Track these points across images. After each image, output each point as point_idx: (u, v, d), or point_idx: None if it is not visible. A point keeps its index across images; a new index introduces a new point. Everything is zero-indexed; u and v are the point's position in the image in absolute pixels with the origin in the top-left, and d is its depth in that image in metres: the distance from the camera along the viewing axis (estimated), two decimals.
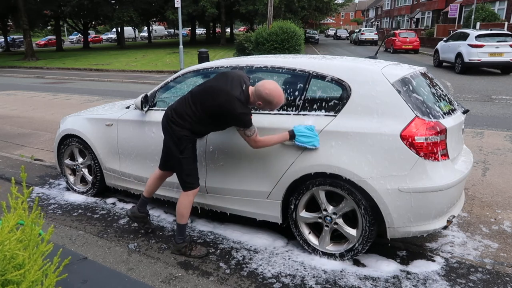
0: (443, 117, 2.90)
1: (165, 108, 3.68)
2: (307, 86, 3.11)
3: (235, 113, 2.77)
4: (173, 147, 3.00)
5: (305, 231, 3.13)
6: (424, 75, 3.31)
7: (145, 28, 54.04)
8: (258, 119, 3.13)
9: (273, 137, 2.95)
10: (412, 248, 3.23)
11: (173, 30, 62.37)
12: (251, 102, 2.88)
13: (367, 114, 2.84)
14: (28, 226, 1.46)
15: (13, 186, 1.55)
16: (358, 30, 46.34)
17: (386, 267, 2.92)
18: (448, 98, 3.30)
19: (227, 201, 3.38)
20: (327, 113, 2.96)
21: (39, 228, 1.51)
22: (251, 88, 2.88)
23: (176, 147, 2.99)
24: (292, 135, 2.92)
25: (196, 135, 3.05)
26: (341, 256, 2.99)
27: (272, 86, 2.79)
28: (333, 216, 2.97)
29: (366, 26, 70.33)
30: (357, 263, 3.01)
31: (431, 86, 3.23)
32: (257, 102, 2.85)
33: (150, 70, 19.23)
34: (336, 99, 2.99)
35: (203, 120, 2.94)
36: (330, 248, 3.05)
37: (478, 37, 14.38)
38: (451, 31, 23.02)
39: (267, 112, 3.13)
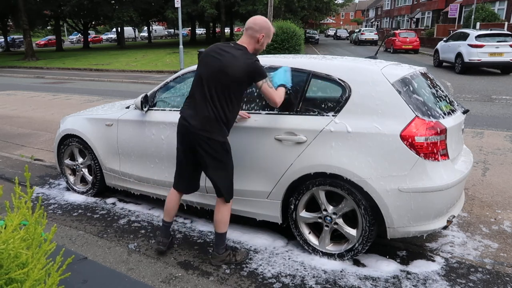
0: (443, 117, 2.90)
1: (165, 108, 3.69)
2: (307, 86, 3.11)
3: (252, 64, 2.72)
4: (220, 158, 2.82)
5: (305, 231, 3.13)
6: (424, 75, 3.31)
7: (145, 28, 54.05)
8: (259, 119, 3.14)
9: (280, 90, 2.89)
10: (412, 248, 3.23)
11: (173, 30, 62.37)
12: (251, 50, 2.85)
13: (367, 114, 2.84)
14: (32, 226, 1.46)
15: (16, 186, 1.55)
16: (358, 30, 46.33)
17: (386, 267, 2.92)
18: (448, 98, 3.30)
19: None
20: (327, 113, 2.96)
21: (42, 227, 1.52)
22: (240, 41, 2.87)
23: (223, 156, 2.83)
24: (284, 86, 2.94)
25: (230, 127, 2.92)
26: (341, 256, 2.99)
27: (255, 16, 2.91)
28: (333, 216, 2.97)
29: (366, 26, 70.34)
30: (357, 263, 3.01)
31: (431, 86, 3.23)
32: (260, 36, 2.81)
33: (150, 70, 19.24)
34: (336, 99, 2.99)
35: (230, 104, 2.79)
36: (330, 248, 3.05)
37: (478, 37, 14.39)
38: (451, 31, 23.03)
39: (268, 112, 3.14)
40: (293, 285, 2.73)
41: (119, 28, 40.07)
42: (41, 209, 1.52)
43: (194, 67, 3.71)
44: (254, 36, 2.83)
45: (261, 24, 2.82)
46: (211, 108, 2.75)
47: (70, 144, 4.31)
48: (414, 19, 45.92)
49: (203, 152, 2.80)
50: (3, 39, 40.43)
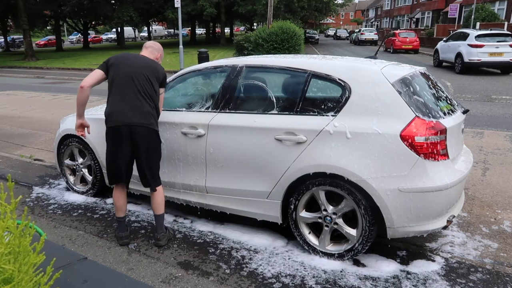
0: (443, 117, 2.90)
1: (165, 109, 3.68)
2: (307, 86, 3.11)
3: (164, 71, 3.28)
4: (157, 147, 3.22)
5: (305, 231, 3.13)
6: (424, 75, 3.31)
7: (145, 28, 54.05)
8: (259, 119, 3.14)
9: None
10: (412, 248, 3.23)
11: (173, 30, 62.35)
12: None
13: (367, 114, 2.83)
14: (17, 238, 1.38)
15: (2, 192, 1.42)
16: (358, 30, 46.30)
17: (386, 267, 2.92)
18: (448, 98, 3.30)
19: (227, 201, 3.39)
20: (326, 113, 2.96)
21: (29, 238, 1.43)
22: (144, 53, 3.33)
23: (159, 145, 3.24)
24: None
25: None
26: (341, 256, 3.00)
27: (154, 41, 3.56)
28: (333, 216, 2.97)
29: (366, 26, 70.31)
30: (357, 263, 3.01)
31: (431, 86, 3.23)
32: (158, 55, 3.38)
33: None
34: (336, 99, 2.99)
35: (156, 97, 3.19)
36: (330, 248, 3.05)
37: (478, 37, 14.37)
38: (451, 31, 23.02)
39: (271, 112, 3.14)
40: (293, 285, 2.73)
41: (119, 28, 40.07)
42: (27, 221, 1.45)
43: (194, 67, 3.73)
44: (153, 53, 3.35)
45: (159, 46, 3.43)
46: (146, 101, 3.09)
47: (70, 144, 4.31)
48: (414, 19, 45.91)
49: (143, 143, 3.08)
50: (3, 39, 40.38)
